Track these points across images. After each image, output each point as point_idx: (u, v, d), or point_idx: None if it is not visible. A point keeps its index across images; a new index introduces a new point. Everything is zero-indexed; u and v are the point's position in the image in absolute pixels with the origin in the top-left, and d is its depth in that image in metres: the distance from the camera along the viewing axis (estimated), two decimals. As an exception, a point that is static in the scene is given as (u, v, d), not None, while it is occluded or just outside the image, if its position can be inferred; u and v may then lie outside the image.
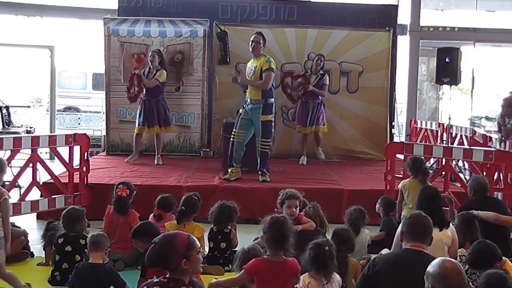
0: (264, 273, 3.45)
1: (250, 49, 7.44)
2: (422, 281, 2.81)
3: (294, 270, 3.51)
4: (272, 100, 7.43)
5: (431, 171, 6.96)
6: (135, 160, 8.54)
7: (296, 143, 9.52)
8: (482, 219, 4.74)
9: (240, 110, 7.53)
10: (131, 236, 4.63)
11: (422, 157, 6.19)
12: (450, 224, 4.53)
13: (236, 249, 5.03)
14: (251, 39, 7.46)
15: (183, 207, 5.09)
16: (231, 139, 7.49)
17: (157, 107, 8.46)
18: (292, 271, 3.50)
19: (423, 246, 3.34)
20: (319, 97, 8.77)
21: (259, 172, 7.43)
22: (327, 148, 9.36)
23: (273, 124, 7.59)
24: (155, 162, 8.55)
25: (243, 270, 3.50)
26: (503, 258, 3.94)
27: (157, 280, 2.99)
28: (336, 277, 3.75)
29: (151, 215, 5.41)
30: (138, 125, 8.49)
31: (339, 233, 4.42)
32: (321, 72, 8.76)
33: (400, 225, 3.52)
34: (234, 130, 7.48)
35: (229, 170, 7.43)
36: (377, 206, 5.83)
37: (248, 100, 7.40)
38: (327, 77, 8.85)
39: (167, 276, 2.95)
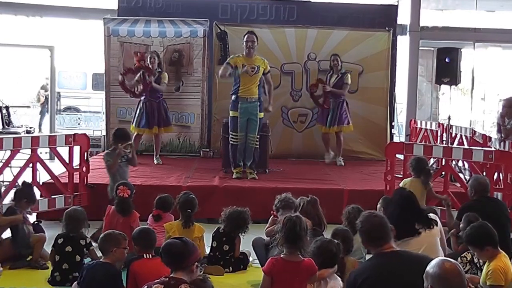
0: (280, 272, 3.47)
1: (247, 49, 7.45)
2: (410, 282, 2.81)
3: (311, 270, 3.52)
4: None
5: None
6: None
7: (296, 143, 9.52)
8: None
9: (232, 113, 7.52)
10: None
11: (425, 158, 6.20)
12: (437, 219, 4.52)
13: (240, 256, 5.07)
14: (247, 39, 7.47)
15: (189, 210, 5.06)
16: (233, 142, 7.54)
17: (158, 108, 8.48)
18: (308, 272, 3.51)
19: (393, 245, 3.29)
20: (341, 95, 8.76)
21: (249, 171, 7.54)
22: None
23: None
24: (155, 162, 8.55)
25: (263, 274, 3.53)
26: (500, 250, 3.97)
27: (158, 280, 3.15)
28: (339, 280, 3.79)
29: (150, 215, 5.41)
30: (139, 126, 8.46)
31: (338, 234, 4.42)
32: (342, 71, 8.76)
33: (358, 232, 3.43)
34: (235, 134, 7.50)
35: (236, 171, 7.51)
36: (378, 206, 5.82)
37: (246, 98, 7.42)
38: (349, 76, 8.78)
39: (168, 276, 3.18)
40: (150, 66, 8.36)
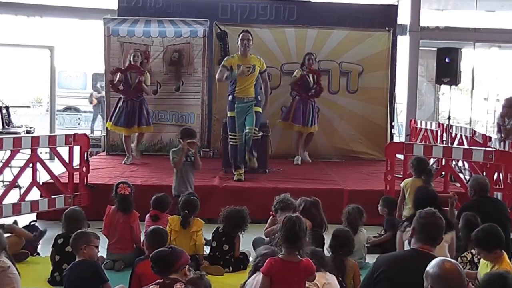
0: (279, 273, 3.47)
1: (242, 48, 7.38)
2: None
3: (309, 270, 3.52)
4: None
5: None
6: (131, 161, 8.52)
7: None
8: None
9: (230, 114, 7.45)
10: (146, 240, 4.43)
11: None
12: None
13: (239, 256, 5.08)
14: (242, 37, 7.41)
15: (187, 211, 5.08)
16: (233, 143, 7.47)
17: (139, 107, 8.46)
18: (307, 272, 3.51)
19: (432, 250, 3.27)
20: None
21: (249, 156, 7.40)
22: (327, 148, 9.36)
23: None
24: (123, 161, 8.51)
25: (261, 275, 3.53)
26: (503, 252, 3.99)
27: (154, 282, 3.28)
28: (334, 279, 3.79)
29: (147, 215, 5.40)
30: (116, 124, 8.46)
31: (338, 235, 4.42)
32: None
33: (413, 221, 3.40)
34: (233, 134, 7.43)
35: (237, 173, 7.40)
36: (379, 207, 5.83)
37: (242, 98, 7.35)
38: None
39: (163, 277, 3.32)
40: (134, 64, 8.35)
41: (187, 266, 3.44)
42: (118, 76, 8.45)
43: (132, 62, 8.35)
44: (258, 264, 3.79)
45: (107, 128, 9.54)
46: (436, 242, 3.30)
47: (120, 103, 8.45)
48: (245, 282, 3.93)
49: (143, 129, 8.65)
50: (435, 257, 3.24)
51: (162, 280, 3.24)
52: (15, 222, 5.50)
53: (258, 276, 3.73)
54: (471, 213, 4.70)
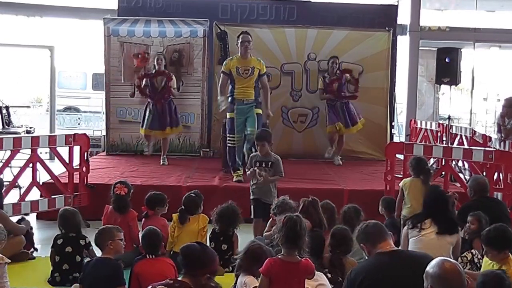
0: (279, 273, 3.45)
1: (243, 50, 7.32)
2: (409, 281, 2.83)
3: (309, 270, 3.50)
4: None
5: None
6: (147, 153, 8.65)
7: (296, 143, 9.52)
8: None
9: (229, 115, 7.42)
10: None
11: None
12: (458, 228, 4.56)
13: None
14: (243, 39, 7.35)
15: (183, 207, 5.15)
16: (231, 145, 7.43)
17: (169, 108, 8.47)
18: (307, 272, 3.50)
19: (390, 243, 3.36)
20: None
21: (248, 153, 7.21)
22: (327, 148, 9.34)
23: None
24: (161, 163, 8.51)
25: (261, 275, 3.50)
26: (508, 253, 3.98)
27: (163, 281, 3.22)
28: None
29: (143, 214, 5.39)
30: (150, 127, 8.44)
31: (336, 234, 4.41)
32: (339, 72, 8.83)
33: (357, 237, 3.59)
34: (232, 135, 7.38)
35: (236, 174, 7.36)
36: (379, 207, 5.82)
37: (242, 100, 7.31)
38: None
39: (173, 278, 3.27)
40: (157, 67, 8.38)
41: (208, 275, 3.35)
42: (144, 81, 8.47)
43: (156, 66, 8.37)
44: (237, 267, 3.80)
45: (106, 127, 9.57)
46: (386, 235, 3.42)
47: (150, 107, 8.43)
48: (234, 286, 3.91)
49: (174, 130, 8.64)
50: (401, 251, 3.30)
51: (171, 281, 3.18)
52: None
53: (240, 279, 3.74)
54: (480, 212, 4.71)
